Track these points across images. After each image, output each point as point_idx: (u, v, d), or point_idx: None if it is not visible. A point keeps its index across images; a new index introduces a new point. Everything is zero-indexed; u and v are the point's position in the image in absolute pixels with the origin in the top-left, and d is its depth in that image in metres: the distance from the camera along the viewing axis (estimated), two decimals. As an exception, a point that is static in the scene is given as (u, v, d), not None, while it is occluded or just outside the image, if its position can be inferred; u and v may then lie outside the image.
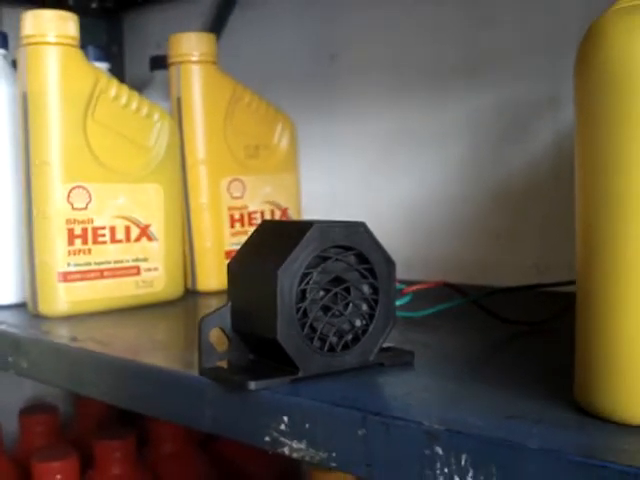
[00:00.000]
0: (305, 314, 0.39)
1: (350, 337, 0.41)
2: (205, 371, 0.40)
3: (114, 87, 0.64)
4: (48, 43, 0.60)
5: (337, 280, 0.40)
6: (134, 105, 0.65)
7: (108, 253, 0.63)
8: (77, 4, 0.97)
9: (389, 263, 0.41)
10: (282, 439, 0.37)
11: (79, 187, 0.61)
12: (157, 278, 0.66)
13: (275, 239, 0.41)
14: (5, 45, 0.70)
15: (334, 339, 0.40)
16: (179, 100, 0.72)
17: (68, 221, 0.61)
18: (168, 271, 0.67)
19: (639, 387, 0.30)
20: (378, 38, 0.80)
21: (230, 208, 0.74)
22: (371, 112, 0.81)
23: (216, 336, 0.41)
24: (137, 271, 0.65)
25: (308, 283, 0.39)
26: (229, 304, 0.41)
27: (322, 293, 0.40)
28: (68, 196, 0.61)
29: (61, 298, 0.61)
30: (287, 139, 0.80)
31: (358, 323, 0.41)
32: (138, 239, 0.65)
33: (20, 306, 0.65)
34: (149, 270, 0.66)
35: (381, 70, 0.80)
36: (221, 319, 0.41)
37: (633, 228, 0.29)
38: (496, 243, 0.72)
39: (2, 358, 0.56)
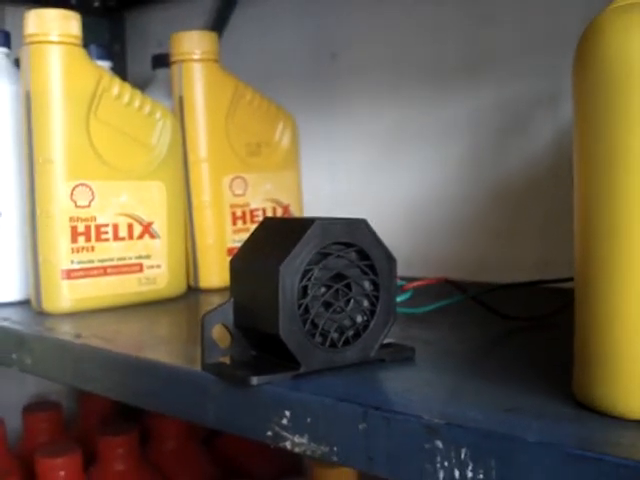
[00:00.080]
0: (307, 310, 0.39)
1: (351, 333, 0.41)
2: (208, 366, 0.41)
3: (117, 85, 0.64)
4: (51, 42, 0.60)
5: (338, 276, 0.40)
6: (136, 103, 0.66)
7: (111, 250, 0.63)
8: (80, 3, 0.98)
9: (390, 259, 0.42)
10: (284, 434, 0.37)
11: (82, 185, 0.62)
12: (160, 275, 0.67)
13: (277, 236, 0.41)
14: (8, 44, 0.70)
15: (335, 335, 0.40)
16: (181, 98, 0.73)
17: (71, 219, 0.61)
18: (171, 268, 0.68)
19: (636, 382, 0.30)
20: (379, 37, 0.80)
21: (232, 205, 0.75)
22: (372, 111, 0.81)
23: (218, 332, 0.41)
24: (140, 268, 0.65)
25: (310, 279, 0.39)
26: (231, 300, 0.42)
27: (323, 289, 0.40)
28: (71, 194, 0.61)
29: (65, 295, 0.61)
30: (288, 137, 0.80)
31: (359, 319, 0.41)
32: (141, 236, 0.65)
33: (24, 303, 0.65)
34: (152, 267, 0.66)
35: (382, 69, 0.80)
36: (223, 315, 0.41)
37: (630, 222, 0.30)
38: (496, 241, 0.72)
39: (6, 355, 0.56)
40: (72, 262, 0.61)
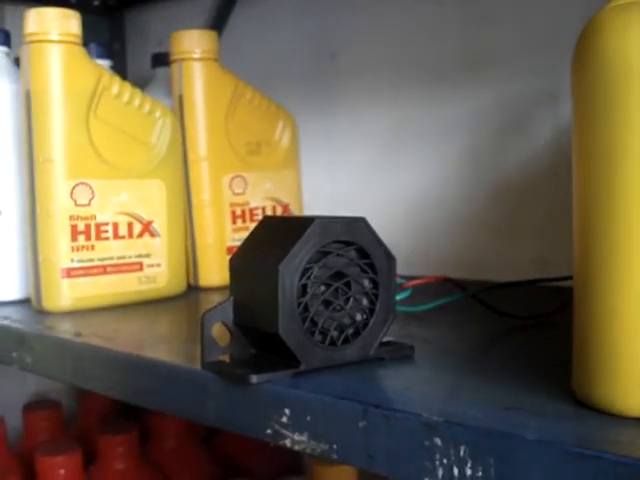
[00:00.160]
0: (306, 308, 0.39)
1: (351, 331, 0.41)
2: (207, 365, 0.41)
3: (116, 84, 0.64)
4: (51, 41, 0.60)
5: (338, 275, 0.40)
6: (136, 102, 0.66)
7: (111, 249, 0.64)
8: (79, 2, 0.98)
9: (389, 258, 0.42)
10: (284, 431, 0.37)
11: (82, 184, 0.62)
12: (160, 274, 0.67)
13: (276, 235, 0.41)
14: (8, 43, 0.70)
15: (335, 333, 0.40)
16: (181, 97, 0.73)
17: (71, 217, 0.61)
18: (171, 267, 0.68)
19: (634, 380, 0.30)
20: (379, 37, 0.80)
21: (232, 204, 0.75)
22: (372, 110, 0.81)
23: (218, 330, 0.41)
24: (140, 267, 0.65)
25: (309, 278, 0.39)
26: (231, 299, 0.42)
27: (323, 288, 0.40)
28: (71, 193, 0.61)
29: (65, 294, 0.61)
30: (288, 136, 0.80)
31: (359, 317, 0.41)
32: (141, 235, 0.65)
33: (24, 302, 0.65)
34: (152, 266, 0.66)
35: (382, 69, 0.80)
36: (223, 314, 0.41)
37: (629, 221, 0.30)
38: (496, 240, 0.72)
39: (6, 353, 0.56)
40: (72, 261, 0.61)
